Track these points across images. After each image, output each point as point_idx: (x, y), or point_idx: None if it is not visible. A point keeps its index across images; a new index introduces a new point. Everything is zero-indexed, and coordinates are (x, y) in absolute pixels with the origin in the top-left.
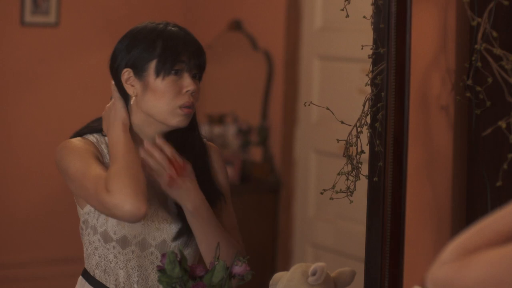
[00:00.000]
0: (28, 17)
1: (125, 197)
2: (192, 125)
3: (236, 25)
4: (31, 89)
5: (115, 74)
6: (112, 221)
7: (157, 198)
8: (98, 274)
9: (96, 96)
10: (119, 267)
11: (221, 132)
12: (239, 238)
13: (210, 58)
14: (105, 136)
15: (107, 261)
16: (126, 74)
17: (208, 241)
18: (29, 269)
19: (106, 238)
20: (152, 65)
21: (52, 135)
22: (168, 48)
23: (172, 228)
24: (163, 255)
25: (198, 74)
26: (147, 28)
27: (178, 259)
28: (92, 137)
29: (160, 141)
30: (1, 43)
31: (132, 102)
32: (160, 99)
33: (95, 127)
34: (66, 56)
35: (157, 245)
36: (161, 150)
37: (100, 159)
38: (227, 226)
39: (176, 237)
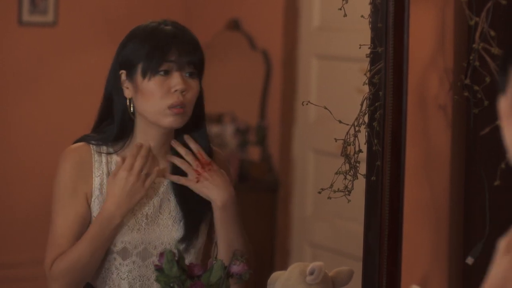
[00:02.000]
0: (26, 17)
1: (57, 284)
2: (200, 126)
3: (234, 25)
4: (29, 88)
5: (112, 76)
6: None
7: (159, 207)
8: (99, 286)
9: (95, 95)
10: (121, 278)
11: (219, 132)
12: (247, 238)
13: (208, 58)
14: (105, 145)
15: (108, 272)
16: (123, 76)
17: (228, 237)
18: (29, 269)
19: (106, 251)
20: (140, 67)
21: (51, 135)
22: (154, 49)
23: (172, 236)
24: (161, 254)
25: (195, 72)
26: (140, 29)
27: (176, 258)
28: (93, 144)
29: (186, 137)
30: None
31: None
32: (148, 100)
33: (102, 134)
34: (65, 56)
35: (159, 254)
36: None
37: (85, 188)
38: None
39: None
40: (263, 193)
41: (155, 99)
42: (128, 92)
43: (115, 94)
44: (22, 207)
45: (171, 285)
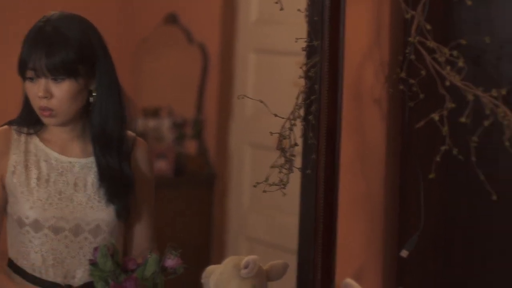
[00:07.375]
0: None
1: None
2: (114, 116)
3: (172, 19)
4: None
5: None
6: (23, 206)
7: (74, 185)
8: (19, 261)
9: None
10: (34, 251)
11: (155, 126)
12: (154, 234)
13: (145, 52)
14: (27, 132)
15: (24, 246)
16: None
17: None
18: None
19: (20, 223)
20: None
21: None
22: (22, 54)
23: (86, 213)
24: (95, 249)
25: (60, 76)
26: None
27: (110, 252)
28: (14, 126)
29: None
30: None
31: None
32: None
33: (22, 117)
34: None
35: (71, 228)
36: None
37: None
38: (144, 222)
39: (90, 222)
40: (199, 187)
41: (30, 100)
42: None
43: (23, 81)
44: None
45: (106, 279)
